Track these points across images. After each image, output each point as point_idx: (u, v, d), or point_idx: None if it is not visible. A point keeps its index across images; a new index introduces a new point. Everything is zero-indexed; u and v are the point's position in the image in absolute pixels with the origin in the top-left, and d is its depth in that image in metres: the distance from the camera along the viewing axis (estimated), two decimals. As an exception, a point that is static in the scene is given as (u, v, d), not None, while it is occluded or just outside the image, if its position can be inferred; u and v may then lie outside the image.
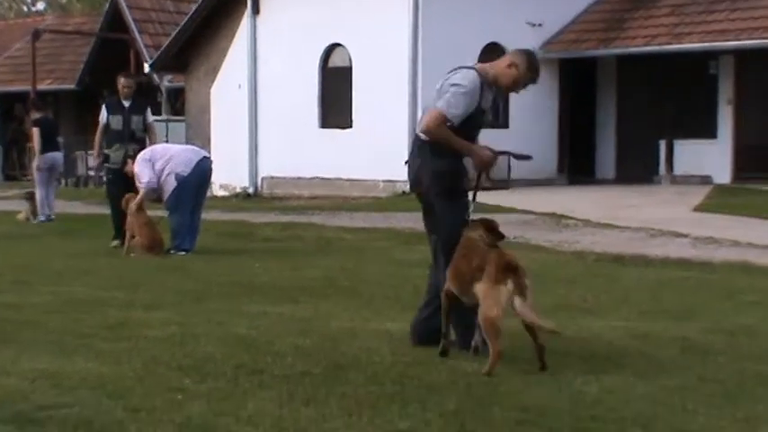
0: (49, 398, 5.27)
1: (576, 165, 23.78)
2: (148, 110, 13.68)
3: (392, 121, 21.54)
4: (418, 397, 5.38)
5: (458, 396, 5.42)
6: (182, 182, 12.32)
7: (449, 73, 6.89)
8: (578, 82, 23.98)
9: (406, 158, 6.88)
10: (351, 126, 22.54)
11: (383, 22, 21.69)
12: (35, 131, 17.58)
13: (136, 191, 12.57)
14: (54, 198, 18.17)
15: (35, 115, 18.10)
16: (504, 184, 21.17)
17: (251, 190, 24.06)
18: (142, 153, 12.69)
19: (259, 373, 5.82)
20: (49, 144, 17.63)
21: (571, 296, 8.93)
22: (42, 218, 17.53)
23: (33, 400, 5.22)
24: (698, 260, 11.38)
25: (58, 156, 18.10)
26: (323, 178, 22.62)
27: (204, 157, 12.83)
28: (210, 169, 12.91)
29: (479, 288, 6.13)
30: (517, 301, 6.02)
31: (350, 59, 22.64)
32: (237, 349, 6.44)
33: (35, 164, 17.77)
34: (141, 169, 12.38)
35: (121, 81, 13.49)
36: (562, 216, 16.41)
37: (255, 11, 23.85)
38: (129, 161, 12.87)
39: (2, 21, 50.31)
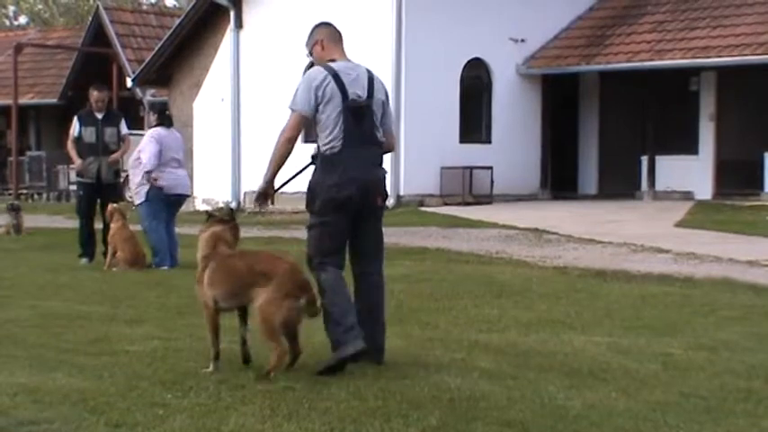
0: (29, 413, 5.24)
1: (559, 180, 23.86)
2: (123, 122, 13.46)
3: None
4: (401, 412, 5.38)
5: (440, 411, 5.41)
6: (159, 196, 12.39)
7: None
8: (561, 98, 24.08)
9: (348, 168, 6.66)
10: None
11: (366, 36, 21.69)
12: None
13: (115, 202, 12.59)
14: None
15: None
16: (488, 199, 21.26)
17: (233, 204, 24.02)
18: (151, 131, 12.67)
19: (241, 388, 5.80)
20: None
21: (554, 311, 8.94)
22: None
23: (14, 416, 5.19)
24: (680, 276, 11.41)
25: None
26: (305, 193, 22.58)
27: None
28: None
29: (262, 294, 6.14)
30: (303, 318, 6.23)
31: (333, 74, 22.65)
32: (220, 365, 6.41)
33: None
34: (147, 146, 12.37)
35: (94, 94, 13.33)
36: (544, 231, 16.44)
37: (239, 25, 23.88)
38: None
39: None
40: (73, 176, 29.47)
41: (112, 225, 12.45)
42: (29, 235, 17.71)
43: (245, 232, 16.97)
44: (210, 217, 6.80)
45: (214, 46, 24.57)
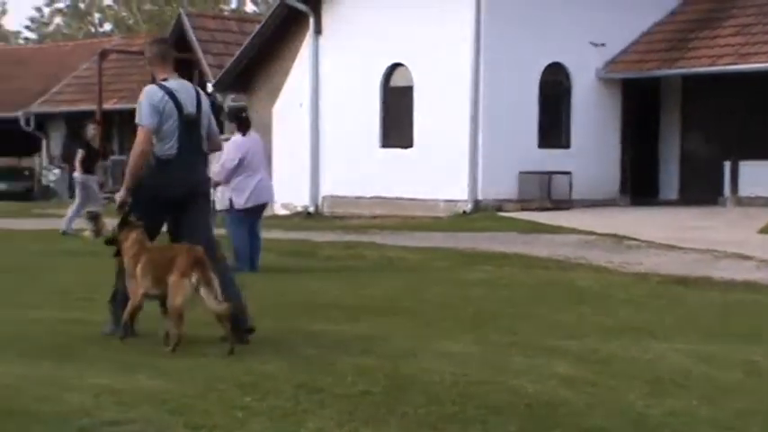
0: (112, 414, 5.31)
1: (639, 185, 23.58)
2: None
3: (453, 141, 21.54)
4: (479, 417, 5.35)
5: (519, 417, 5.38)
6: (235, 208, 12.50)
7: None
8: (641, 102, 23.82)
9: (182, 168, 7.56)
10: (412, 145, 22.56)
11: (445, 41, 21.72)
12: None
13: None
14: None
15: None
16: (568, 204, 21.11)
17: (312, 209, 24.15)
18: (231, 140, 12.76)
19: (319, 392, 5.82)
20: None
21: (634, 318, 8.84)
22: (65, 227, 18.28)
23: (97, 416, 5.26)
24: (764, 283, 11.22)
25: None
26: (383, 198, 22.63)
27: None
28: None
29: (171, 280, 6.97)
30: (203, 291, 6.89)
31: (412, 79, 22.68)
32: (299, 368, 6.45)
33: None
34: (224, 157, 12.46)
35: None
36: (624, 237, 16.27)
37: (318, 31, 23.99)
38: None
39: (71, 41, 51.06)
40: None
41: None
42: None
43: (322, 237, 17.08)
44: (127, 223, 7.52)
45: (293, 51, 24.72)
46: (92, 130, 19.18)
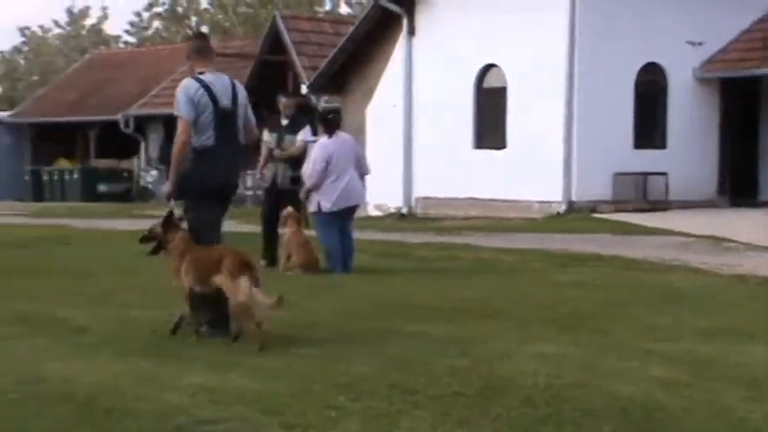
0: (208, 413, 5.38)
1: (738, 186, 23.16)
2: (305, 128, 13.41)
3: (547, 142, 21.39)
4: (573, 420, 5.31)
5: (614, 420, 5.33)
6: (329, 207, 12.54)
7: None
8: (740, 102, 23.39)
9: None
10: (505, 146, 22.47)
11: (540, 42, 21.58)
12: None
13: (293, 209, 12.75)
14: None
15: None
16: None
17: (405, 210, 24.18)
18: (318, 143, 12.81)
19: (413, 393, 5.82)
20: None
21: (732, 320, 8.69)
22: None
23: (194, 415, 5.33)
24: None
25: None
26: (477, 199, 22.57)
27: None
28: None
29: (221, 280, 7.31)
30: (253, 290, 7.22)
31: (505, 80, 22.58)
32: (392, 368, 6.46)
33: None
34: (311, 161, 12.53)
35: (282, 101, 13.55)
36: (722, 239, 16.00)
37: (411, 32, 24.01)
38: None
39: (168, 45, 51.85)
40: (248, 181, 30.27)
41: (287, 230, 12.65)
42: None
43: (416, 238, 17.09)
44: (171, 224, 7.83)
45: (387, 52, 24.78)
46: None
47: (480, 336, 7.82)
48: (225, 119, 7.87)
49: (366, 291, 10.68)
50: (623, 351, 7.19)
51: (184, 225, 7.89)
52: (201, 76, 7.91)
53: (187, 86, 7.89)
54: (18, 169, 38.41)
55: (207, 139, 7.82)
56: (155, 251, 7.88)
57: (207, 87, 7.82)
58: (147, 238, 7.94)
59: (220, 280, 7.34)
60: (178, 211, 7.94)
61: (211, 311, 7.63)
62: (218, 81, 7.94)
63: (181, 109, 7.82)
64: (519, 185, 21.72)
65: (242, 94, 8.06)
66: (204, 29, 61.71)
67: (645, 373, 6.46)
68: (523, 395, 5.80)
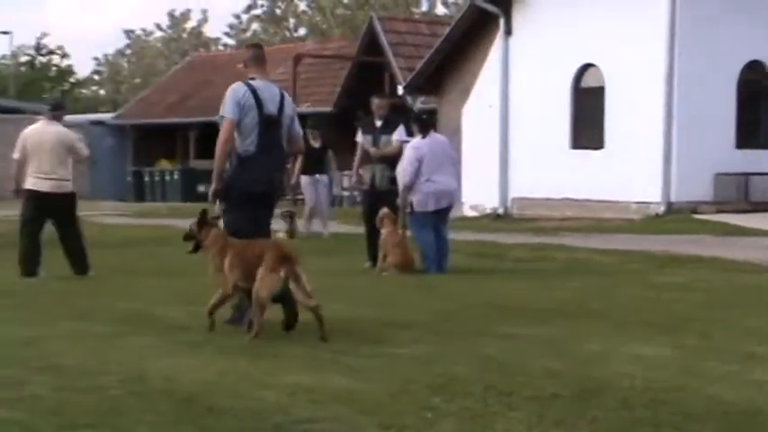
0: (305, 412, 5.43)
1: None
2: (399, 128, 13.38)
3: (646, 142, 21.15)
4: (671, 423, 5.25)
5: (714, 424, 5.25)
6: (423, 207, 12.56)
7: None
8: None
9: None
10: (603, 147, 22.26)
11: (639, 40, 21.34)
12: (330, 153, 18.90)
13: (391, 209, 12.80)
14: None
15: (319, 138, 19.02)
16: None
17: (501, 211, 24.10)
18: (410, 144, 12.84)
19: (509, 395, 5.81)
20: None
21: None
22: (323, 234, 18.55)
23: (292, 414, 5.39)
24: None
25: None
26: (573, 200, 22.40)
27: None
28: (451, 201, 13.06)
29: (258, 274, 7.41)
30: (292, 286, 7.34)
31: (603, 79, 22.37)
32: (488, 370, 6.46)
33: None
34: (404, 161, 12.58)
35: (375, 102, 13.58)
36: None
37: (508, 32, 23.92)
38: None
39: (267, 47, 52.32)
40: (345, 182, 30.43)
41: (383, 231, 12.70)
42: (301, 240, 18.32)
43: (511, 238, 17.00)
44: (205, 222, 8.02)
45: (483, 53, 24.73)
46: (311, 133, 19.36)
47: (576, 337, 7.78)
48: (269, 125, 8.17)
49: (461, 291, 10.68)
50: (724, 354, 7.08)
51: (220, 223, 8.13)
52: (251, 82, 8.27)
53: (235, 89, 8.22)
54: (120, 170, 39.17)
55: (250, 144, 8.13)
56: (194, 250, 8.10)
57: (254, 92, 8.17)
58: (187, 236, 8.14)
59: (259, 273, 7.46)
60: (217, 210, 8.26)
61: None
62: (267, 88, 8.32)
63: (226, 109, 8.15)
64: (616, 186, 21.51)
65: (289, 104, 8.43)
66: (302, 31, 62.26)
67: (746, 376, 6.36)
68: (620, 397, 5.75)
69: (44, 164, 12.05)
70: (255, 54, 8.54)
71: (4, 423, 5.15)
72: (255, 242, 7.82)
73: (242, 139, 8.16)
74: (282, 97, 8.34)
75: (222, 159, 8.16)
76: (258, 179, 8.14)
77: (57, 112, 12.58)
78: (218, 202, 8.39)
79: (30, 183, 12.15)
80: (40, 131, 12.24)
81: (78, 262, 12.19)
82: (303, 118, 30.13)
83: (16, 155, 12.26)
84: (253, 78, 8.32)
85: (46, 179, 12.07)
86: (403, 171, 12.63)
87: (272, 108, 8.22)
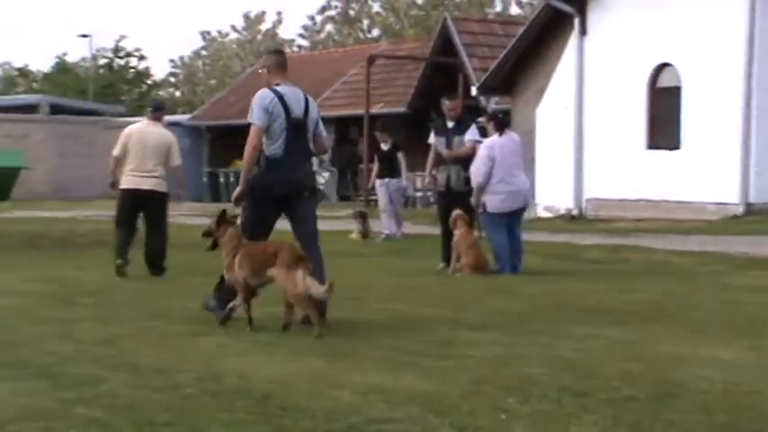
0: (379, 412, 5.44)
1: None
2: (471, 128, 13.29)
3: (724, 142, 20.85)
4: (752, 429, 5.17)
5: (794, 430, 5.16)
6: (496, 208, 12.51)
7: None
8: None
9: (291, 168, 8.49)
10: (679, 147, 21.99)
11: (717, 40, 21.05)
12: (401, 154, 18.74)
13: (465, 211, 12.77)
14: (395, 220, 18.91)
15: (389, 140, 18.93)
16: None
17: (575, 212, 23.90)
18: (484, 143, 12.79)
19: (584, 396, 5.77)
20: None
21: None
22: (399, 235, 18.34)
23: (365, 414, 5.40)
24: None
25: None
26: (649, 200, 22.15)
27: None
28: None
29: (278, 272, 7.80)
30: (308, 280, 7.70)
31: (680, 79, 22.10)
32: (562, 371, 6.41)
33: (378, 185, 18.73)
34: (478, 161, 12.54)
35: (445, 103, 13.54)
36: None
37: (583, 32, 23.74)
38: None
39: (340, 48, 52.61)
40: (419, 183, 30.44)
41: (456, 232, 12.67)
42: (374, 240, 18.35)
43: (586, 239, 16.84)
44: (224, 221, 8.36)
45: (557, 53, 24.56)
46: (380, 135, 19.33)
47: (653, 339, 7.69)
48: (296, 128, 8.45)
49: (535, 292, 10.62)
50: (805, 358, 6.96)
51: (239, 221, 8.45)
52: (277, 88, 8.51)
53: (262, 96, 8.49)
54: (196, 171, 39.57)
55: (277, 147, 8.41)
56: (212, 247, 8.40)
57: (281, 98, 8.42)
58: (205, 233, 8.47)
59: (276, 272, 7.81)
60: (236, 210, 8.59)
61: (230, 295, 8.19)
62: (292, 93, 8.55)
63: (254, 116, 8.42)
64: (693, 186, 21.23)
65: (313, 107, 8.66)
66: (375, 32, 62.42)
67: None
68: (699, 401, 5.68)
69: (146, 162, 12.30)
70: (277, 60, 8.79)
71: (83, 420, 5.23)
72: (269, 243, 8.22)
73: (270, 143, 8.43)
74: (307, 101, 8.58)
75: (250, 165, 8.44)
76: (282, 181, 8.40)
77: (157, 112, 12.86)
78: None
79: (129, 181, 12.41)
80: (142, 131, 12.51)
81: (157, 262, 12.37)
82: (373, 119, 30.25)
83: (116, 152, 12.53)
84: (278, 84, 8.56)
85: (147, 177, 12.33)
86: (476, 171, 12.59)
87: (297, 112, 8.46)
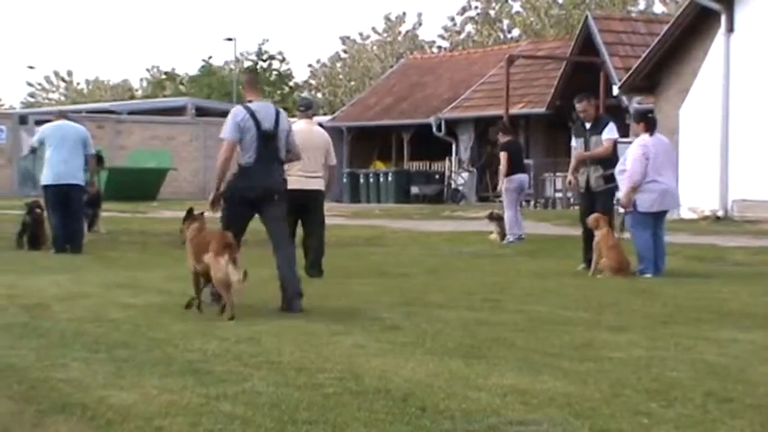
0: (518, 414, 5.41)
1: None
2: (607, 127, 13.08)
3: None
4: None
5: None
6: (645, 207, 12.30)
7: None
8: None
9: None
10: (831, 146, 21.32)
11: None
12: (503, 155, 18.27)
13: (604, 212, 12.62)
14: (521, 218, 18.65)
15: (504, 139, 18.70)
16: None
17: (720, 213, 23.37)
18: (638, 141, 12.61)
19: (729, 402, 5.64)
20: (516, 166, 18.31)
21: None
22: (511, 238, 18.04)
23: (504, 415, 5.38)
24: None
25: (524, 178, 18.73)
26: (799, 201, 21.53)
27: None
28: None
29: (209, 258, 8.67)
30: (230, 268, 8.52)
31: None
32: (706, 376, 6.29)
33: (503, 186, 18.43)
34: (633, 158, 12.36)
35: (576, 106, 13.41)
36: None
37: (730, 29, 23.19)
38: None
39: (480, 48, 52.51)
40: (558, 184, 30.21)
41: (597, 233, 12.53)
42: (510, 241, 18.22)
43: (731, 241, 16.48)
44: (191, 216, 9.32)
45: (703, 51, 24.05)
46: (496, 136, 19.19)
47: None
48: (266, 140, 9.34)
49: (677, 295, 10.43)
50: None
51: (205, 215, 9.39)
52: (249, 104, 9.44)
53: (235, 113, 9.50)
54: (337, 171, 39.93)
55: (249, 157, 9.34)
56: (183, 242, 9.32)
57: (252, 113, 9.32)
58: (180, 230, 9.45)
59: (206, 258, 8.71)
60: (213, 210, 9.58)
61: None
62: (264, 108, 9.49)
63: (226, 131, 9.37)
64: None
65: (284, 120, 9.53)
66: (515, 32, 62.13)
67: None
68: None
69: (311, 163, 12.10)
70: (250, 78, 9.96)
71: (227, 416, 5.34)
72: (209, 232, 9.06)
73: (243, 152, 9.36)
74: (278, 114, 9.45)
75: (222, 174, 9.40)
76: (253, 187, 9.31)
77: (310, 111, 12.88)
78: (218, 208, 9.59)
79: (296, 182, 11.63)
80: (305, 131, 12.14)
81: (319, 261, 12.18)
82: (513, 120, 29.97)
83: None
84: (250, 101, 9.50)
85: (312, 177, 12.21)
86: (631, 169, 12.39)
87: (267, 125, 9.34)
